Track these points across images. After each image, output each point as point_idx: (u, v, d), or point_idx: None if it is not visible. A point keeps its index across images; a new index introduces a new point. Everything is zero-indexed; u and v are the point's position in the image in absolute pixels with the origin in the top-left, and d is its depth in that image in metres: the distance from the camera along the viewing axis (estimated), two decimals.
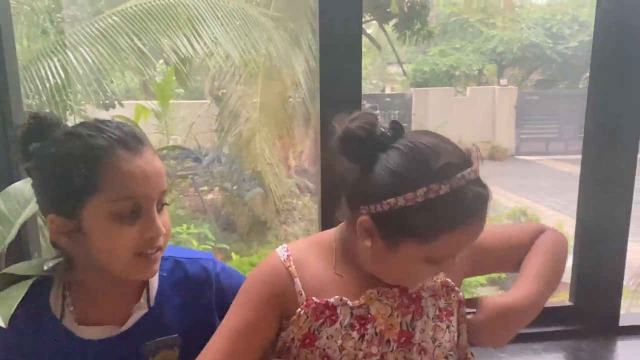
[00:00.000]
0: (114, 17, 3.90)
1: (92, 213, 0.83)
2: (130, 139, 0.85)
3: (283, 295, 0.88)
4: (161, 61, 4.56)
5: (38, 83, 3.69)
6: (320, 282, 0.89)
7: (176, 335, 0.94)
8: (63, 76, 3.70)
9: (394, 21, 8.78)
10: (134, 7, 3.95)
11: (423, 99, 12.58)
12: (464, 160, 0.79)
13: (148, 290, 0.94)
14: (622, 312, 1.54)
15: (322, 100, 1.29)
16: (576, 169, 1.52)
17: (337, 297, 0.86)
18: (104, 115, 6.84)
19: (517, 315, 0.90)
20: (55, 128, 0.86)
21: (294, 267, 0.89)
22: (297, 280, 0.88)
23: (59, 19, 5.87)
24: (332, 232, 0.95)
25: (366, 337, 0.85)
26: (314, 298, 0.86)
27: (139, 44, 3.82)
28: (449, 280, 0.92)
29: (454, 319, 0.91)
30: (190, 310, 0.97)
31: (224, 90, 5.23)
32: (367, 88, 18.07)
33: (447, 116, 11.84)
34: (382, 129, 0.81)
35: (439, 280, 0.91)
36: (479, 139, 12.16)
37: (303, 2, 5.37)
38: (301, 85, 4.99)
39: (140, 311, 0.93)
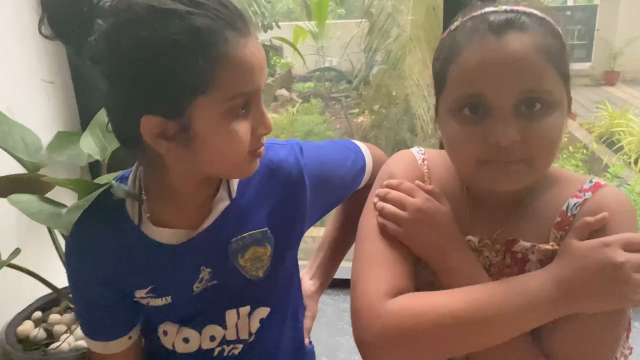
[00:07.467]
0: None
1: (204, 113, 0.68)
2: (237, 18, 0.68)
3: None
4: None
5: None
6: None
7: (265, 228, 0.85)
8: None
9: None
10: None
11: (612, 10, 10.77)
12: None
13: (227, 182, 0.84)
14: None
15: None
16: None
17: None
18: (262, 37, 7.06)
19: None
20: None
21: (427, 171, 0.83)
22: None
23: None
24: None
25: None
26: None
27: None
28: None
29: None
30: (278, 200, 0.86)
31: (373, 9, 4.96)
32: (546, 0, 16.14)
33: None
34: None
35: (554, 247, 0.71)
36: None
37: None
38: None
39: (222, 204, 0.83)
